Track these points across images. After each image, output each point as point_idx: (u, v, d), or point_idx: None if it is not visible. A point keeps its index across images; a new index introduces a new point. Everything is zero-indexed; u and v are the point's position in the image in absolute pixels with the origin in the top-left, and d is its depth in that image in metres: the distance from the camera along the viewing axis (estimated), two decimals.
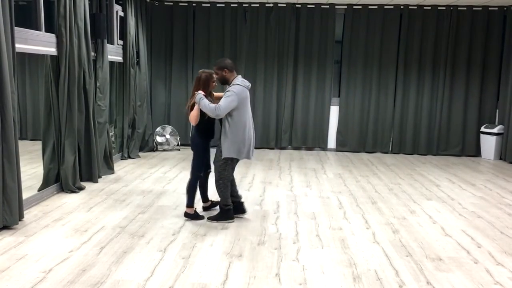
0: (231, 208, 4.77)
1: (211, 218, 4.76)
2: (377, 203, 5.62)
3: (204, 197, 5.06)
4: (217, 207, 4.92)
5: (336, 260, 3.82)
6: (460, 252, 4.08)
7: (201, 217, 4.78)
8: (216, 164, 4.64)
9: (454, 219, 5.03)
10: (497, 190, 6.45)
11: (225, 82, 4.62)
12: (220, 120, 4.57)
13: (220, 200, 4.75)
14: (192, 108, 4.54)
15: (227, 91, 4.45)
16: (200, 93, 4.48)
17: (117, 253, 3.82)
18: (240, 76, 4.65)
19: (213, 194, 5.19)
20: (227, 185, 4.68)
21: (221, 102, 4.38)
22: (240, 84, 4.49)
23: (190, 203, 4.75)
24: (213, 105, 4.38)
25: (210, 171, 4.94)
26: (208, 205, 5.09)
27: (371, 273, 3.58)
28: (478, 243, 4.31)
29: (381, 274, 3.57)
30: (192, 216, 4.77)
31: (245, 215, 4.92)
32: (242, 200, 4.97)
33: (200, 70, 4.72)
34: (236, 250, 3.97)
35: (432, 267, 3.73)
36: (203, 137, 4.70)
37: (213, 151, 4.78)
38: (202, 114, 4.51)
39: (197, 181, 4.78)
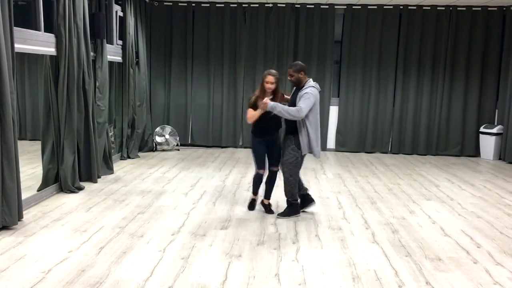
0: (298, 203, 5.03)
1: (281, 215, 4.96)
2: (376, 203, 5.62)
3: (266, 194, 5.16)
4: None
5: (336, 260, 3.82)
6: (459, 252, 4.08)
7: (252, 208, 5.18)
8: (286, 162, 4.82)
9: (454, 219, 5.04)
10: (496, 190, 6.45)
11: (298, 84, 4.81)
12: (288, 120, 4.76)
13: (287, 196, 4.96)
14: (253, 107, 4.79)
15: (305, 93, 4.65)
16: (268, 102, 4.63)
17: (117, 253, 3.82)
18: (311, 79, 4.86)
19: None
20: (297, 181, 4.93)
21: (302, 104, 4.60)
22: (314, 87, 4.74)
23: (253, 191, 5.17)
24: (293, 108, 4.61)
25: (274, 171, 5.09)
26: (267, 204, 5.16)
27: (370, 273, 3.58)
28: (478, 243, 4.31)
29: (380, 274, 3.57)
30: (249, 204, 5.22)
31: (313, 207, 5.18)
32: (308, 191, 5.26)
33: (268, 71, 4.84)
34: (236, 250, 3.96)
35: (432, 267, 3.73)
36: (258, 135, 4.93)
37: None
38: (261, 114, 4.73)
39: (258, 176, 5.06)
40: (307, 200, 5.15)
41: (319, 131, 4.88)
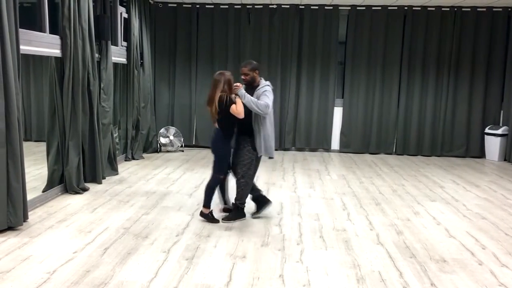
0: (244, 207, 4.88)
1: (225, 219, 4.78)
2: (381, 204, 5.61)
3: (225, 200, 5.03)
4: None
5: (340, 261, 3.81)
6: (464, 253, 4.07)
7: (216, 221, 4.74)
8: (241, 164, 4.70)
9: (458, 221, 5.02)
10: (501, 191, 6.42)
11: (252, 83, 4.70)
12: (247, 120, 4.56)
13: (237, 198, 4.81)
14: (220, 106, 4.46)
15: (264, 91, 4.58)
16: (240, 86, 4.51)
17: (121, 254, 3.83)
18: (263, 78, 4.81)
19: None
20: (249, 184, 4.78)
21: (266, 100, 4.49)
22: (269, 85, 4.69)
23: (207, 204, 4.73)
24: (262, 102, 4.46)
25: (229, 173, 4.93)
26: (230, 208, 4.99)
27: (375, 275, 3.57)
28: (483, 245, 4.29)
29: (385, 275, 3.57)
30: (207, 217, 4.76)
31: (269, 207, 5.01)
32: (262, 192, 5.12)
33: (219, 72, 4.65)
34: (240, 251, 3.97)
35: (436, 269, 3.72)
36: (228, 138, 4.67)
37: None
38: (232, 115, 4.47)
39: (217, 184, 4.79)
40: (263, 201, 4.96)
41: (273, 129, 4.75)
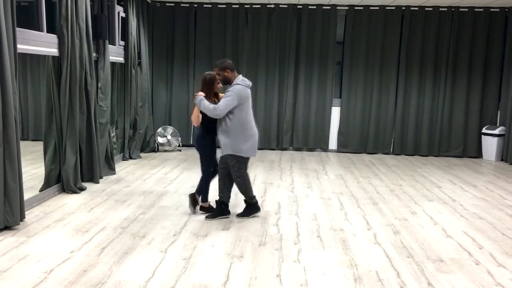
0: (256, 201, 4.96)
1: (240, 215, 4.90)
2: (378, 204, 5.61)
3: (204, 197, 5.06)
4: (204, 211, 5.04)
5: (337, 261, 3.81)
6: (461, 253, 4.08)
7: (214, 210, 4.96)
8: (231, 165, 4.72)
9: (456, 221, 5.03)
10: (498, 191, 6.44)
11: (227, 82, 4.71)
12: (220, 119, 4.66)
13: (244, 195, 4.90)
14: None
15: (228, 91, 4.58)
16: (201, 94, 4.60)
17: (118, 254, 3.83)
18: (240, 75, 4.75)
19: (214, 196, 5.18)
20: (246, 180, 4.82)
21: (221, 102, 4.53)
22: (240, 84, 4.60)
23: (204, 199, 5.00)
24: (212, 105, 4.51)
25: (216, 171, 4.97)
26: (207, 207, 5.04)
27: (372, 274, 3.58)
28: (480, 245, 4.30)
29: (382, 275, 3.57)
30: (206, 209, 4.98)
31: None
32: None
33: (205, 72, 4.82)
34: (237, 251, 3.97)
35: (433, 269, 3.72)
36: (207, 134, 4.80)
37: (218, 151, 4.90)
38: (205, 114, 4.62)
39: (209, 177, 4.96)
40: (254, 208, 4.96)
41: (252, 128, 4.69)
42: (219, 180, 4.86)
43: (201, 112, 4.65)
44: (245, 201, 4.96)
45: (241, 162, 4.72)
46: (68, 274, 3.41)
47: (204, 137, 4.82)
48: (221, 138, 4.65)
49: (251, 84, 4.74)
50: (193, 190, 5.13)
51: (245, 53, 9.22)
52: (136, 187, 6.10)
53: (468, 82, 9.06)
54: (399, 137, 9.31)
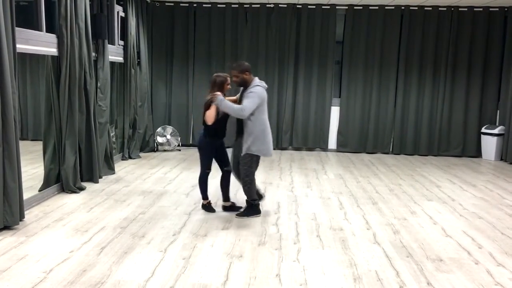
0: (258, 203, 5.00)
1: (240, 215, 4.93)
2: (377, 203, 5.62)
3: (225, 197, 5.12)
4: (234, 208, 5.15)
5: (337, 261, 3.81)
6: (460, 253, 4.08)
7: (213, 210, 5.08)
8: (241, 162, 4.77)
9: (455, 220, 5.03)
10: (497, 191, 6.44)
11: (244, 85, 4.78)
12: (239, 120, 4.76)
13: (247, 196, 4.92)
14: (207, 108, 4.66)
15: (250, 92, 4.64)
16: (219, 94, 4.64)
17: (118, 254, 3.82)
18: (257, 78, 4.82)
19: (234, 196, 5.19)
20: (253, 181, 4.85)
21: (246, 103, 4.57)
22: (259, 85, 4.69)
23: (203, 196, 5.08)
24: (238, 106, 4.58)
25: (229, 171, 5.04)
26: (229, 205, 5.13)
27: (371, 274, 3.58)
28: (479, 244, 4.30)
29: (381, 274, 3.57)
30: (205, 207, 5.11)
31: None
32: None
33: (214, 74, 4.86)
34: (237, 251, 3.97)
35: (433, 268, 3.72)
36: (212, 137, 4.85)
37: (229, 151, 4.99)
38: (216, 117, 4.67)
39: (205, 176, 5.01)
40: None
41: (268, 130, 4.79)
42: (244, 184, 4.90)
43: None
44: (247, 201, 4.97)
45: (254, 162, 4.79)
46: (67, 274, 3.41)
47: (206, 139, 4.85)
48: (245, 138, 4.70)
49: (267, 87, 4.85)
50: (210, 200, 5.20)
51: (244, 52, 9.22)
52: (135, 186, 6.10)
53: (467, 82, 9.06)
54: (399, 136, 9.31)
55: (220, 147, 4.99)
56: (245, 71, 4.71)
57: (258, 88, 4.65)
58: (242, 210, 5.03)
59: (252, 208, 4.95)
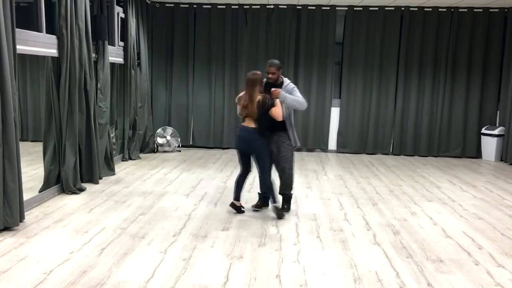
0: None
1: (284, 210, 5.02)
2: (377, 204, 5.62)
3: (239, 195, 5.07)
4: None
5: (337, 262, 3.81)
6: (461, 253, 4.08)
7: (284, 211, 5.05)
8: (285, 156, 4.92)
9: (455, 221, 5.03)
10: (498, 191, 6.44)
11: (277, 81, 4.91)
12: (268, 116, 4.78)
13: (290, 189, 5.09)
14: (264, 107, 4.65)
15: (294, 87, 4.92)
16: (280, 90, 4.72)
17: (118, 255, 3.82)
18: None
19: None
20: (292, 174, 5.09)
21: (299, 96, 4.84)
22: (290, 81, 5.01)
23: (274, 200, 4.92)
24: (302, 98, 4.84)
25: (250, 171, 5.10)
26: (239, 205, 5.08)
27: (371, 275, 3.58)
28: (479, 245, 4.30)
29: (381, 275, 3.57)
30: (237, 208, 5.07)
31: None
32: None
33: (251, 72, 4.80)
34: (237, 252, 3.96)
35: (433, 269, 3.72)
36: (265, 136, 4.87)
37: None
38: (264, 114, 4.69)
39: (270, 179, 4.90)
40: (265, 202, 5.18)
41: None
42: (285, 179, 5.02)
43: (259, 114, 4.67)
44: (286, 195, 5.09)
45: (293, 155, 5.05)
46: (67, 275, 3.41)
47: (262, 138, 4.82)
48: (290, 131, 4.90)
49: None
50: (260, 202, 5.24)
51: (244, 53, 9.23)
52: (135, 187, 6.09)
53: (467, 83, 9.07)
54: (399, 137, 9.31)
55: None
56: (280, 69, 4.93)
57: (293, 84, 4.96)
58: (280, 206, 4.98)
59: (290, 200, 5.13)
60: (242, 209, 5.09)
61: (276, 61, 4.94)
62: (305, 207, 5.40)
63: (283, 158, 4.92)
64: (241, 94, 4.92)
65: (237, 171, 7.30)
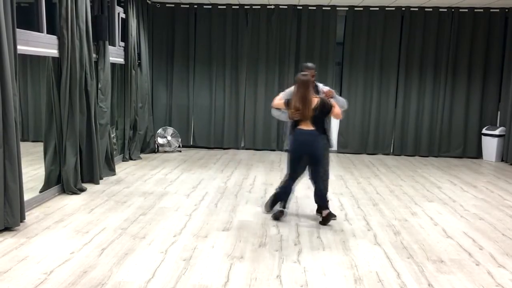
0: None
1: (332, 216, 4.82)
2: (378, 204, 5.61)
3: (285, 204, 4.95)
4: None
5: (337, 262, 3.81)
6: (461, 254, 4.07)
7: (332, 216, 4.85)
8: (326, 156, 4.98)
9: (456, 221, 5.03)
10: (498, 192, 6.44)
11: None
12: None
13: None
14: (322, 107, 4.60)
15: (333, 91, 4.96)
16: (333, 91, 4.82)
17: (118, 255, 3.82)
18: None
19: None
20: None
21: (340, 98, 4.96)
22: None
23: (326, 206, 4.84)
24: (344, 99, 4.99)
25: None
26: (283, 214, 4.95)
27: (372, 275, 3.58)
28: (480, 245, 4.30)
29: (382, 276, 3.57)
30: (329, 216, 4.81)
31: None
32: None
33: (302, 74, 4.67)
34: (237, 252, 3.96)
35: (434, 269, 3.72)
36: (327, 137, 4.90)
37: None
38: (320, 115, 4.65)
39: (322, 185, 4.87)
40: (275, 202, 5.10)
41: None
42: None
43: (317, 116, 4.61)
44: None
45: None
46: (68, 275, 3.41)
47: (324, 143, 4.79)
48: (329, 133, 4.94)
49: None
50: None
51: (245, 53, 9.23)
52: (136, 188, 6.10)
53: (468, 83, 9.06)
54: (399, 137, 9.31)
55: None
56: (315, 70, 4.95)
57: None
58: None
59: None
60: (285, 210, 4.93)
61: (311, 65, 4.92)
62: (305, 207, 5.40)
63: (324, 161, 4.92)
64: (280, 96, 4.85)
65: (237, 171, 7.32)
